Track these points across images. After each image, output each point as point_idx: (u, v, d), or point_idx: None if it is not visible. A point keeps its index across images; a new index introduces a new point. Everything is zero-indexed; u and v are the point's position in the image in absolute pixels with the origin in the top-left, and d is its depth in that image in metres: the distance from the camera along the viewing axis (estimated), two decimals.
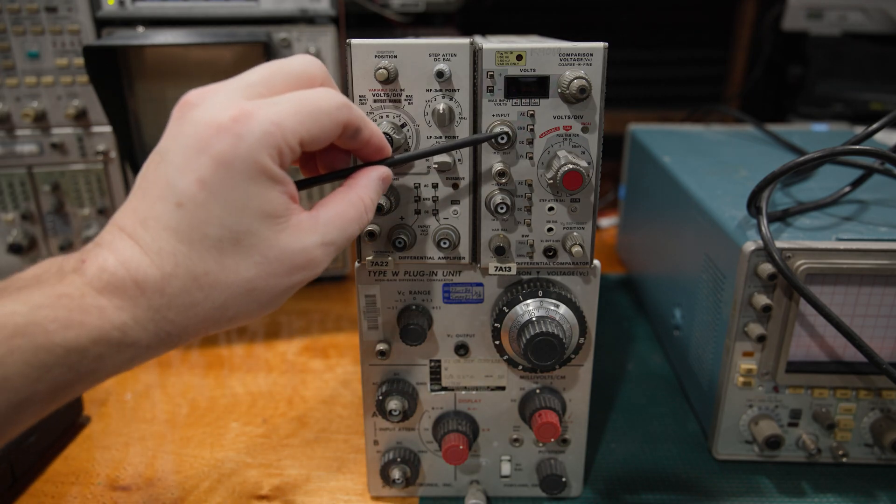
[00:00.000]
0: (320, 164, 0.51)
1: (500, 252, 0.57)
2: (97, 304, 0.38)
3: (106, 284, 0.38)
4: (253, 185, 0.39)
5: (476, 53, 0.53)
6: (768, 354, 0.68)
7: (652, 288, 1.03)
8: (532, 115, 0.54)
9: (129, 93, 0.95)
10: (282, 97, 0.42)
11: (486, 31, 0.96)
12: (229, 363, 0.94)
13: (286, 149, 0.41)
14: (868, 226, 0.70)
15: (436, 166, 0.56)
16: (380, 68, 0.53)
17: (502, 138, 0.54)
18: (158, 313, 0.39)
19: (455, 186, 0.57)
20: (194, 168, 0.39)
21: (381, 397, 0.63)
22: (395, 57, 0.53)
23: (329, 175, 0.50)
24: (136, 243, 0.39)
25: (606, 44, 0.52)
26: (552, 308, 0.58)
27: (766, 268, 0.65)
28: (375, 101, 0.54)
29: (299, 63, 0.46)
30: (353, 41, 0.53)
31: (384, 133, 0.53)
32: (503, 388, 0.65)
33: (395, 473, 0.65)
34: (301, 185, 0.46)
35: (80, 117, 0.96)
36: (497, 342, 0.61)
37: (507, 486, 0.69)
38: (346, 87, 0.54)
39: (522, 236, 0.58)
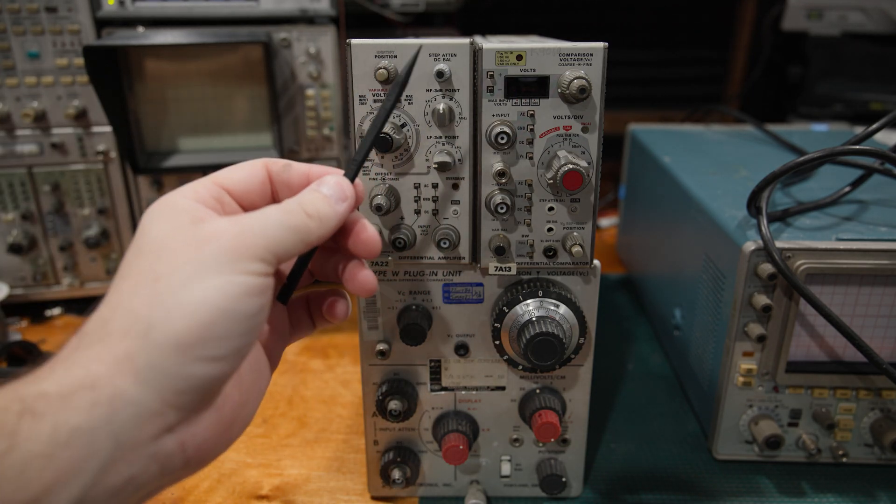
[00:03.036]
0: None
1: (500, 252, 0.57)
2: None
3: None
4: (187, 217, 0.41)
5: (476, 53, 0.53)
6: (768, 354, 0.68)
7: (652, 288, 1.03)
8: (532, 115, 0.54)
9: (129, 93, 0.95)
10: None
11: (486, 31, 0.96)
12: None
13: (209, 197, 0.42)
14: (868, 226, 0.70)
15: (436, 166, 0.56)
16: (380, 68, 0.53)
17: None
18: None
19: (455, 186, 0.57)
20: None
21: (381, 397, 0.63)
22: (395, 57, 0.53)
23: (296, 269, 0.48)
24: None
25: (606, 44, 0.52)
26: (552, 308, 0.58)
27: (766, 268, 0.65)
28: (375, 101, 0.54)
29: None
30: (353, 41, 0.53)
31: (384, 133, 0.53)
32: (503, 388, 0.65)
33: (395, 473, 0.65)
34: (281, 295, 0.47)
35: (80, 117, 0.96)
36: (497, 342, 0.61)
37: (507, 486, 0.69)
38: (346, 88, 0.54)
39: (522, 236, 0.58)
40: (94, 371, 0.33)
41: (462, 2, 1.17)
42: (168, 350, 0.34)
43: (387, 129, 0.53)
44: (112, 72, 0.92)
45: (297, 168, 0.46)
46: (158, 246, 0.37)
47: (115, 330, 0.35)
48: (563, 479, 0.66)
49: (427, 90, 0.54)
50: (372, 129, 0.47)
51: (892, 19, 1.34)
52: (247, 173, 0.44)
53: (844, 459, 0.71)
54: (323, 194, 0.43)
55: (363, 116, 0.55)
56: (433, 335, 0.63)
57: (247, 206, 0.44)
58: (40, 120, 0.95)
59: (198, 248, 0.37)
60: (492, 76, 0.53)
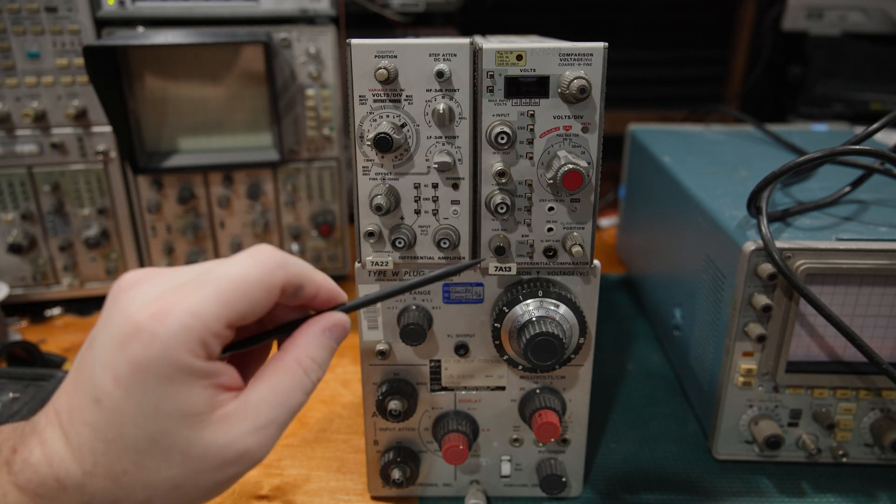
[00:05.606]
0: (268, 322, 0.46)
1: (500, 252, 0.57)
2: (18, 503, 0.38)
3: (28, 481, 0.38)
4: (169, 385, 0.38)
5: (476, 53, 0.53)
6: (768, 354, 0.68)
7: (652, 288, 1.03)
8: (532, 115, 0.54)
9: (129, 93, 0.95)
10: (206, 276, 0.40)
11: (486, 31, 0.96)
12: None
13: (211, 338, 0.39)
14: (868, 226, 0.70)
15: (436, 166, 0.56)
16: (380, 68, 0.53)
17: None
18: None
19: (455, 186, 0.57)
20: (113, 365, 0.38)
21: (381, 397, 0.63)
22: (395, 57, 0.53)
23: (266, 334, 0.45)
24: (63, 434, 0.39)
25: (606, 44, 0.52)
26: (552, 308, 0.58)
27: (766, 268, 0.65)
28: (375, 101, 0.54)
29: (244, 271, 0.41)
30: (353, 41, 0.53)
31: (383, 133, 0.53)
32: (503, 388, 0.65)
33: (395, 473, 0.65)
34: (232, 347, 0.43)
35: (80, 117, 0.96)
36: (497, 342, 0.61)
37: (507, 486, 0.69)
38: (346, 88, 0.54)
39: (522, 236, 0.58)
40: None
41: (462, 2, 1.17)
42: None
43: (387, 129, 0.53)
44: (112, 72, 0.92)
45: (306, 291, 0.44)
46: (184, 446, 0.38)
47: None
48: (563, 479, 0.66)
49: (427, 90, 0.54)
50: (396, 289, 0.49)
51: (892, 19, 1.34)
52: (262, 307, 0.41)
53: (844, 459, 0.71)
54: (331, 347, 0.45)
55: (363, 116, 0.55)
56: (433, 335, 0.63)
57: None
58: (40, 120, 0.95)
59: (222, 469, 0.40)
60: (492, 76, 0.53)
